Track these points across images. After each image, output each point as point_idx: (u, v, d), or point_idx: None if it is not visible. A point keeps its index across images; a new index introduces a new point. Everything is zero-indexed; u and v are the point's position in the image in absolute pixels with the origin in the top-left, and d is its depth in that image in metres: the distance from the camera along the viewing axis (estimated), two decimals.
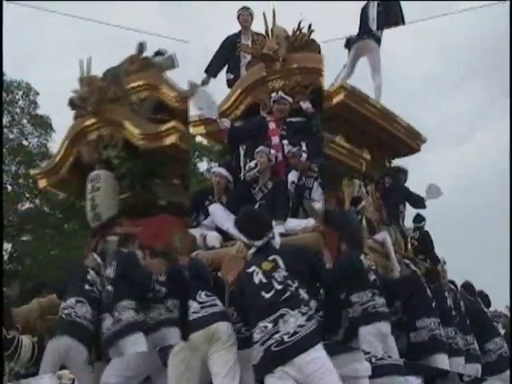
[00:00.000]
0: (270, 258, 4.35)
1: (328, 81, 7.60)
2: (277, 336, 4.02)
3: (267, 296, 4.16)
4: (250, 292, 4.29)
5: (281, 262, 4.33)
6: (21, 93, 17.31)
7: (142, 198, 7.03)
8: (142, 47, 7.48)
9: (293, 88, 6.96)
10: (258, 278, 4.25)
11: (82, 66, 6.98)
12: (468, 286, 7.14)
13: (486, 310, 7.07)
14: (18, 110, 17.19)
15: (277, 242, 4.58)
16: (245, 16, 8.29)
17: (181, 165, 7.15)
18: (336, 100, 7.13)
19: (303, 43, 6.96)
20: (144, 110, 7.19)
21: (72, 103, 7.05)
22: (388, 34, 8.31)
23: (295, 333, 4.01)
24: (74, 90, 7.04)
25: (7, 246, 12.82)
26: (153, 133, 6.74)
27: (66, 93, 7.26)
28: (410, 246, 7.95)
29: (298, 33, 7.01)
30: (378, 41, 8.11)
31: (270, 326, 4.05)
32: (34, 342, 5.69)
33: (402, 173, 8.35)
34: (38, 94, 17.56)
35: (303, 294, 4.26)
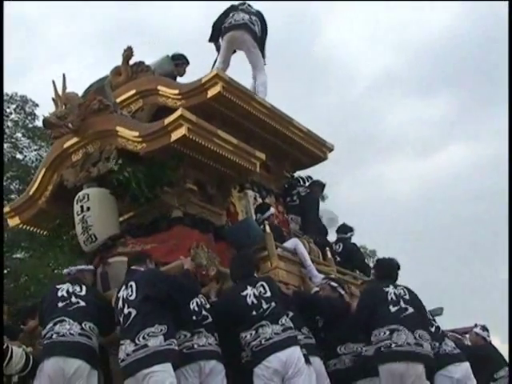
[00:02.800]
0: None
1: None
2: None
3: None
4: None
5: None
6: (14, 106, 17.04)
7: (149, 213, 6.21)
8: (130, 53, 6.91)
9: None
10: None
11: (54, 84, 6.18)
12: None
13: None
14: (10, 124, 16.53)
15: None
16: None
17: (196, 164, 6.14)
18: (211, 93, 6.50)
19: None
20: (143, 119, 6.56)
21: (48, 123, 6.09)
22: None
23: None
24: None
25: None
26: (153, 131, 5.82)
27: None
28: (329, 255, 7.29)
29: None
30: (254, 34, 7.62)
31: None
32: (28, 353, 5.11)
33: (317, 184, 8.12)
34: (37, 105, 17.17)
35: None
